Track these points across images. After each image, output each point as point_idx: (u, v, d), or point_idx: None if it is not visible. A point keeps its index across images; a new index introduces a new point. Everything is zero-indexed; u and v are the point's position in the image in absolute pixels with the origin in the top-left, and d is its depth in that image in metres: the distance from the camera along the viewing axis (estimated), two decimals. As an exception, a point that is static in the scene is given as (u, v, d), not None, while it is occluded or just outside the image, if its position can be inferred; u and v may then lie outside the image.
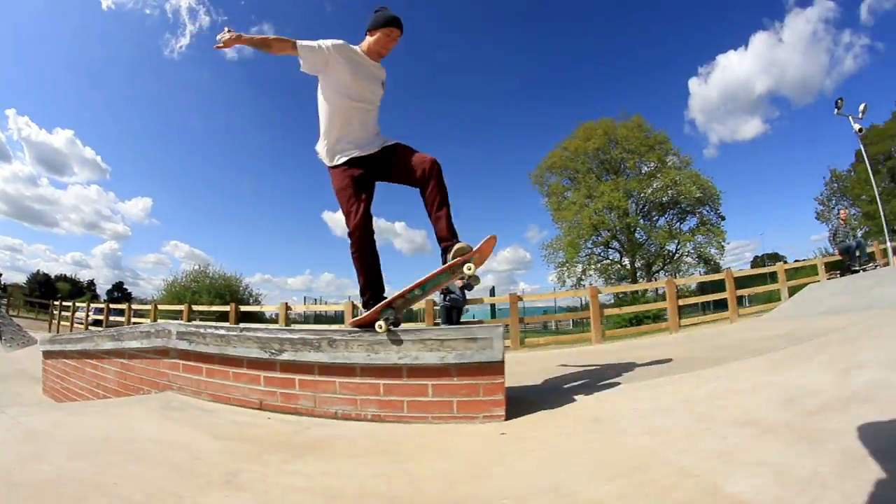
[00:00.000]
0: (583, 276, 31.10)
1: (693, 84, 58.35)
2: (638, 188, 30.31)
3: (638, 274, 30.49)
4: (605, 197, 29.59)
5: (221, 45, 2.28)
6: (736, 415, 1.62)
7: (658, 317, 14.00)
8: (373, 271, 2.46)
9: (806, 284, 8.88)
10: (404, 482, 1.40)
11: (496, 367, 2.08)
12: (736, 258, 59.93)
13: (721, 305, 11.23)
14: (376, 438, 1.90)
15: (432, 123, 72.29)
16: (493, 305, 15.03)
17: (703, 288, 18.38)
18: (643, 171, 31.08)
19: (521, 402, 2.27)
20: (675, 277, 28.36)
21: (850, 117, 12.12)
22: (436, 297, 7.82)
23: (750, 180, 66.02)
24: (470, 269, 2.26)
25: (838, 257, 9.98)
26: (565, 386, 2.95)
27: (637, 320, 13.86)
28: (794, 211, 77.90)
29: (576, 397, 2.37)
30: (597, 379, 3.05)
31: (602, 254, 32.12)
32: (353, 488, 1.37)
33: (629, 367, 3.43)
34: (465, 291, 7.86)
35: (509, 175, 67.87)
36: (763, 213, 67.73)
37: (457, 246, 2.28)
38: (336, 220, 70.13)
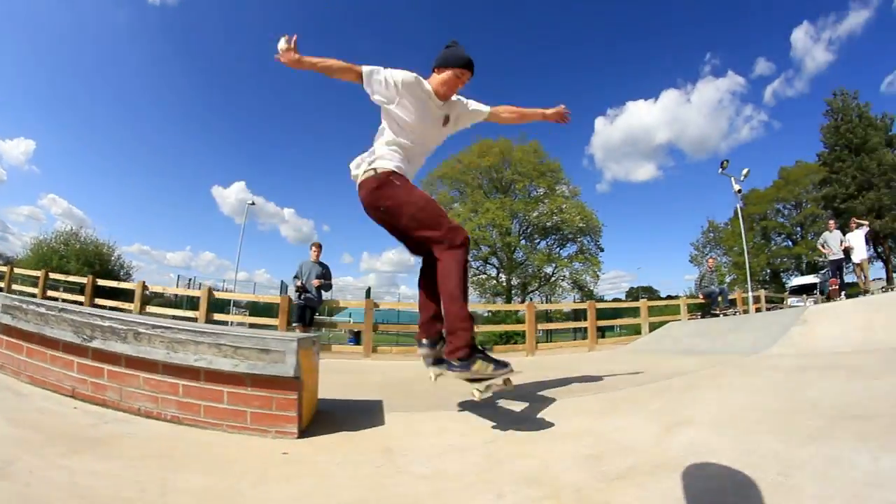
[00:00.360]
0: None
1: (599, 122, 62.06)
2: (524, 210, 31.30)
3: (513, 292, 31.62)
4: (489, 214, 30.18)
5: (282, 59, 2.21)
6: (530, 467, 1.57)
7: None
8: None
9: (669, 321, 8.95)
10: (155, 493, 1.36)
11: (289, 383, 2.00)
12: (613, 286, 64.92)
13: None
14: (162, 441, 1.83)
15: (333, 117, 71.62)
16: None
17: (577, 315, 18.82)
18: (531, 195, 32.22)
19: (329, 419, 2.24)
20: (550, 300, 30.95)
21: (731, 178, 12.85)
22: (292, 294, 7.51)
23: (637, 216, 70.93)
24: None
25: (702, 300, 10.31)
26: (387, 403, 2.75)
27: (506, 338, 13.58)
28: (672, 251, 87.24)
29: (386, 419, 2.30)
30: (421, 399, 3.01)
31: (480, 268, 32.94)
32: (107, 492, 1.34)
33: (460, 388, 3.16)
34: (322, 292, 7.41)
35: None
36: (644, 248, 73.67)
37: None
38: (224, 197, 64.86)
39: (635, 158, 69.95)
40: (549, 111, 2.47)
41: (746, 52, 75.15)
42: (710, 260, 11.14)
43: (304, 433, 1.98)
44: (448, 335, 2.00)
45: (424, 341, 2.26)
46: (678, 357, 5.01)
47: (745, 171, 13.10)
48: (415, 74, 2.21)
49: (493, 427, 2.11)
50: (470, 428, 2.13)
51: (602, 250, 32.52)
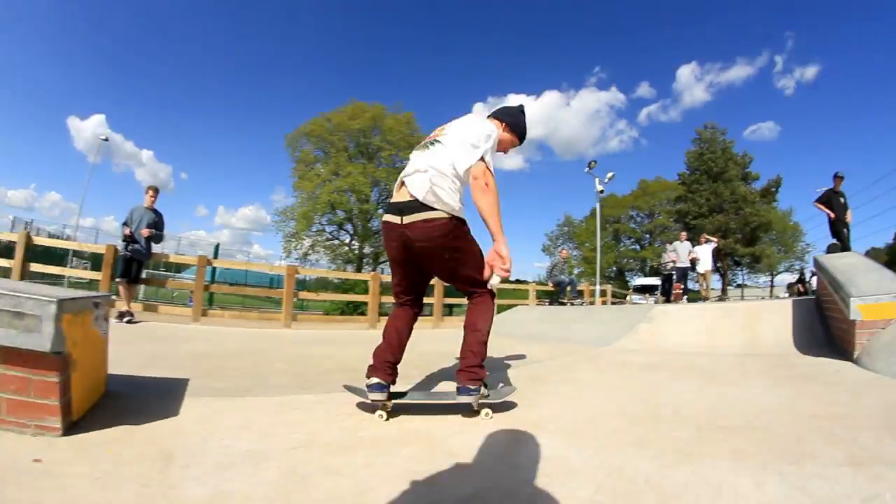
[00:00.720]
0: (310, 252, 30.86)
1: (477, 107, 65.19)
2: (386, 180, 29.99)
3: (364, 261, 31.24)
4: (350, 178, 29.17)
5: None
6: (341, 491, 1.26)
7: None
8: None
9: (518, 305, 9.31)
10: None
11: (48, 360, 1.52)
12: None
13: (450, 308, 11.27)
14: None
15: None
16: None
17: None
18: (396, 166, 30.52)
19: (115, 405, 1.87)
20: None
21: (596, 178, 13.76)
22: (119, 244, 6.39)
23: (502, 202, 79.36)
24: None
25: (551, 288, 11.01)
26: (193, 383, 2.37)
27: (352, 307, 13.22)
28: (526, 239, 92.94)
29: (183, 406, 1.93)
30: (235, 379, 2.64)
31: (334, 233, 31.96)
32: None
33: (296, 366, 3.11)
34: (151, 244, 6.32)
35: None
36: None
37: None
38: (80, 130, 55.11)
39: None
40: (496, 255, 2.07)
41: (633, 74, 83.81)
42: (563, 251, 11.96)
43: (74, 427, 1.61)
44: (471, 367, 2.06)
45: (383, 383, 2.01)
46: (525, 343, 5.11)
47: (609, 175, 14.32)
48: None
49: (305, 424, 1.83)
50: (278, 424, 1.83)
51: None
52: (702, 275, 10.88)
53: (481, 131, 2.09)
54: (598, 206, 14.57)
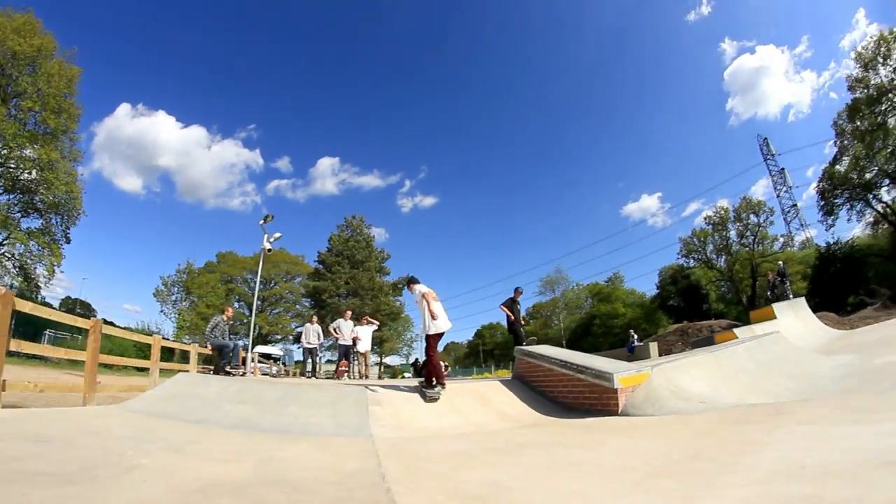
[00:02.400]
0: None
1: (122, 108, 58.61)
2: (12, 140, 21.17)
3: None
4: None
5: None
6: None
7: None
8: None
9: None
10: None
11: None
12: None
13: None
14: None
15: None
16: None
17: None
18: (28, 129, 22.50)
19: None
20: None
21: (266, 234, 12.72)
22: None
23: (112, 224, 67.49)
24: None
25: (209, 352, 8.84)
26: None
27: None
28: (133, 272, 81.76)
29: None
30: None
31: None
32: None
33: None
34: None
35: None
36: (100, 260, 67.43)
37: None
38: None
39: (129, 165, 63.64)
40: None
41: (282, 146, 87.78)
42: (229, 310, 9.88)
43: None
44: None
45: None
46: (239, 435, 3.92)
47: (277, 235, 13.49)
48: None
49: None
50: None
51: (69, 242, 25.09)
52: (363, 354, 11.43)
53: None
54: (260, 262, 13.21)
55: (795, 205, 45.96)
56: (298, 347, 10.90)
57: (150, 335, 10.29)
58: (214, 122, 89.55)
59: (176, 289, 38.36)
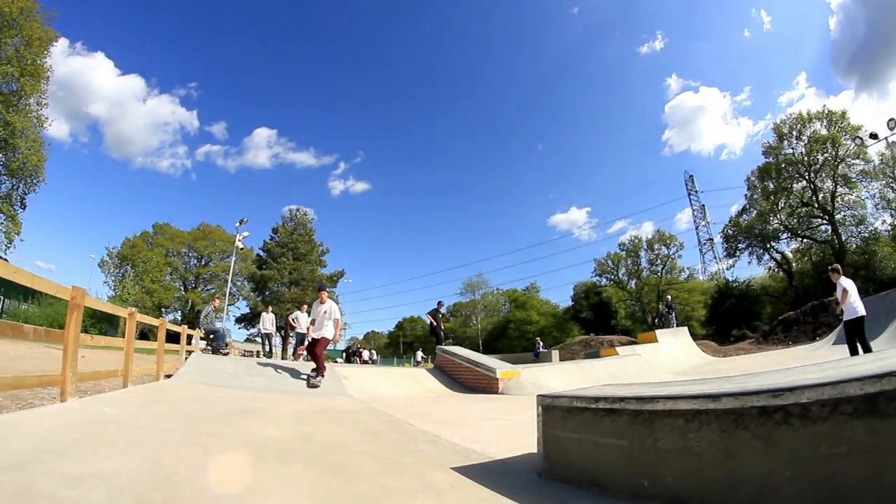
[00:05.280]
0: None
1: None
2: None
3: None
4: None
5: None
6: None
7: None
8: None
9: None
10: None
11: None
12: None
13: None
14: None
15: None
16: None
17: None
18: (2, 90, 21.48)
19: None
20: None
21: (238, 235, 14.64)
22: None
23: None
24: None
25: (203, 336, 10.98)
26: None
27: None
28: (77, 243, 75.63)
29: None
30: None
31: None
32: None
33: None
34: None
35: None
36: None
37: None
38: None
39: (58, 108, 56.53)
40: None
41: (222, 109, 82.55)
42: (216, 300, 12.08)
43: None
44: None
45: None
46: (271, 394, 6.58)
47: (245, 233, 15.48)
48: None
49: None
50: None
51: (24, 208, 24.02)
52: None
53: None
54: (233, 261, 15.20)
55: (711, 239, 50.53)
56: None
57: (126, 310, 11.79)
58: (154, 74, 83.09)
59: (119, 261, 37.42)
